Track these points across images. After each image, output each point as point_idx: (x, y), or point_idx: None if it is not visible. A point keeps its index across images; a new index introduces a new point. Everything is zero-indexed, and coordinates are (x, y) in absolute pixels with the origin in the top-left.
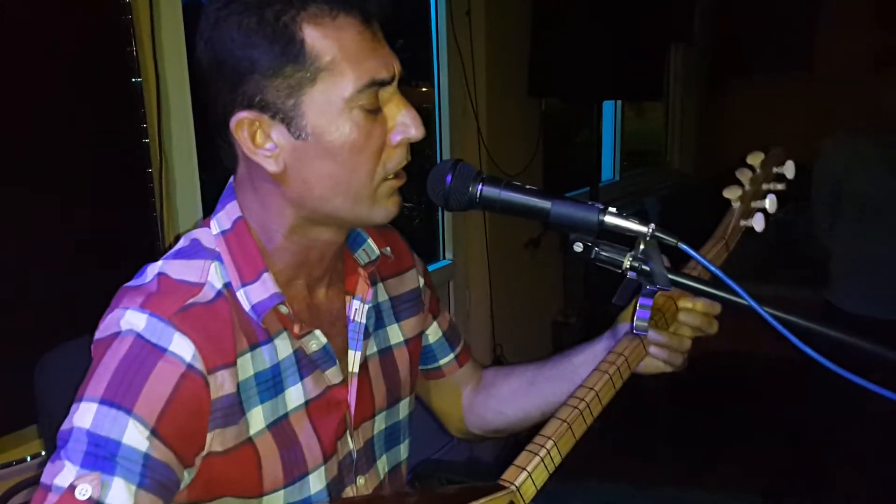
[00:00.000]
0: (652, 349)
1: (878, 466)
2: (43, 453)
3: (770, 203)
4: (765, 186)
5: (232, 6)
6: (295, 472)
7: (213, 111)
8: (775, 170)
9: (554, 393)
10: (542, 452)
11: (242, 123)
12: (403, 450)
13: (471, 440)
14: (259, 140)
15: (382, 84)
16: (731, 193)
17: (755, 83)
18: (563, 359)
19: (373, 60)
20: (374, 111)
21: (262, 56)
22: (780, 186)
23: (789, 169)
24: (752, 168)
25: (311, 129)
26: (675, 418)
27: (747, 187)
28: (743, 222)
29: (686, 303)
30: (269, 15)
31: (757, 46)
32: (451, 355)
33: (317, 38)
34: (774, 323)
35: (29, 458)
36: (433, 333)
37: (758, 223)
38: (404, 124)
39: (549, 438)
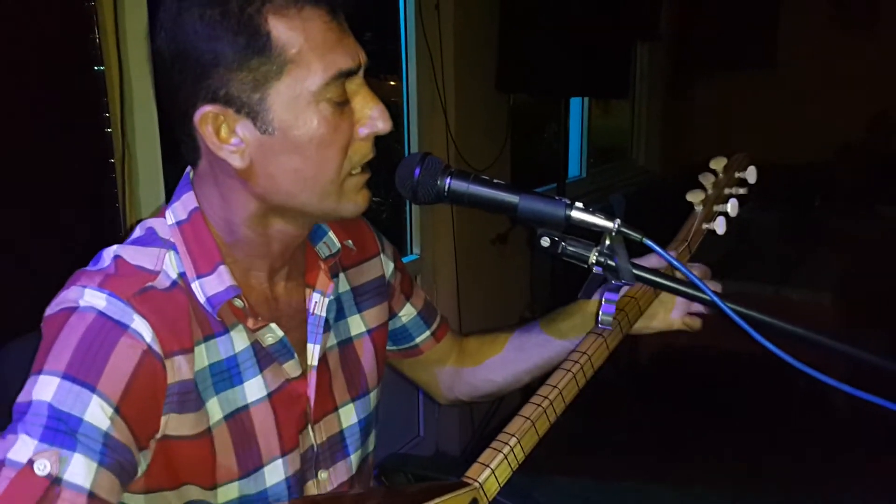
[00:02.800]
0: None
1: (841, 458)
2: None
3: (731, 207)
4: (727, 191)
5: None
6: (249, 465)
7: (174, 104)
8: (737, 174)
9: (542, 356)
10: (506, 450)
11: (207, 118)
12: (371, 441)
13: (458, 405)
14: (224, 135)
15: (349, 74)
16: (693, 197)
17: (720, 80)
18: (549, 325)
19: (339, 51)
20: (342, 104)
21: (226, 49)
22: (741, 191)
23: (751, 174)
24: (714, 172)
25: (277, 124)
26: (638, 413)
27: (710, 191)
28: (705, 225)
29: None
30: (234, 6)
31: (722, 44)
32: (428, 332)
33: (283, 29)
34: (735, 317)
35: None
36: (407, 314)
37: (719, 226)
38: (372, 118)
39: (513, 436)
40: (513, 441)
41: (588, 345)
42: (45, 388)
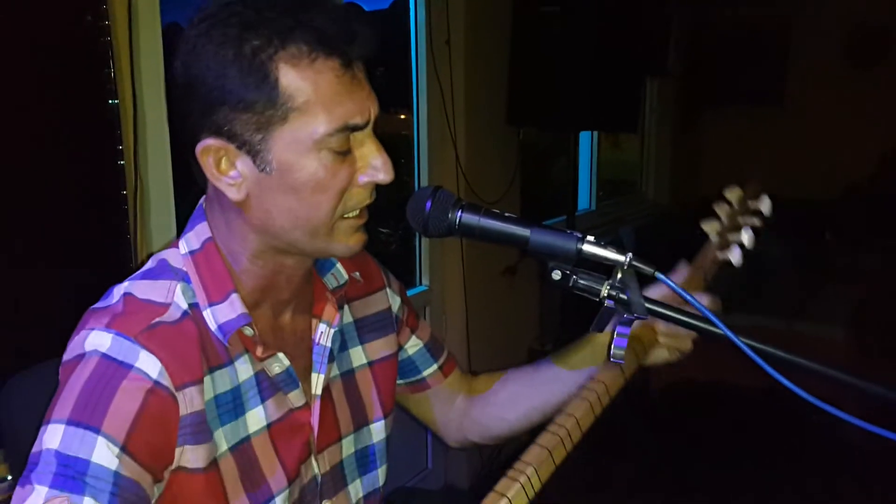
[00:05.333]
0: (662, 339)
1: (851, 494)
2: (9, 477)
3: (747, 237)
4: (741, 220)
5: (212, 33)
6: (260, 497)
7: (183, 129)
8: (751, 205)
9: (554, 393)
10: (523, 479)
11: (208, 150)
12: (380, 476)
13: (469, 448)
14: (224, 167)
15: (355, 129)
16: (708, 227)
17: (728, 114)
18: (560, 359)
19: (349, 105)
20: (344, 153)
21: (234, 88)
22: (756, 222)
23: (765, 204)
24: (728, 202)
25: (276, 164)
26: (650, 449)
27: (725, 221)
28: (720, 255)
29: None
30: (247, 49)
31: (730, 78)
32: (435, 366)
33: (292, 79)
34: (748, 351)
35: None
36: (412, 346)
37: (735, 256)
38: (374, 167)
39: (530, 464)
40: (529, 470)
41: (604, 374)
42: (52, 437)
